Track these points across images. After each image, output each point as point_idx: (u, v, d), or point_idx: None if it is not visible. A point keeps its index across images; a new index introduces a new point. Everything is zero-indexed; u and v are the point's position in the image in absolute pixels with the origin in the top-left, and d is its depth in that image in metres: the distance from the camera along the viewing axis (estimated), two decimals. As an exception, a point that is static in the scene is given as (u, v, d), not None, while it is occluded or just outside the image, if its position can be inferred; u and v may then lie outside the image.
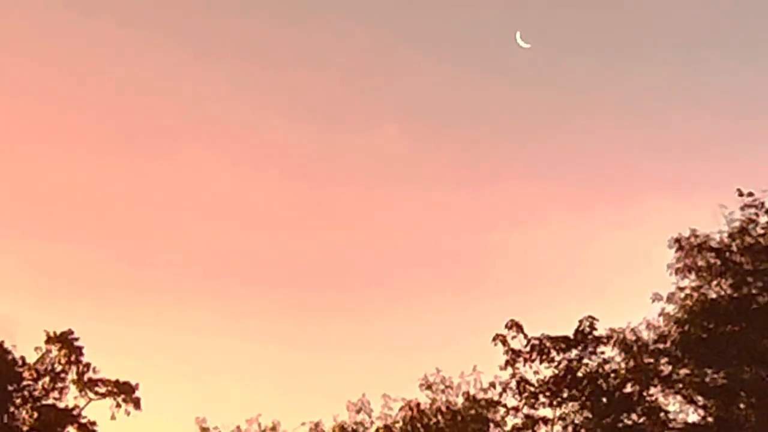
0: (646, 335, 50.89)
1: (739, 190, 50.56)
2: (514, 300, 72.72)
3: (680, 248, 50.27)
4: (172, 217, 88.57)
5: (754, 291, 49.76)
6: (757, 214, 50.48)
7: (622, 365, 50.80)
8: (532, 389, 50.92)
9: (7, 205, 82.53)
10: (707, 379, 49.81)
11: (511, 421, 52.64)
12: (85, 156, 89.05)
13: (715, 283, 50.18)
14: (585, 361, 50.90)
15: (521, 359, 51.13)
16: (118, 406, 63.73)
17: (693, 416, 50.64)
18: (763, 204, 50.43)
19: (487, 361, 52.79)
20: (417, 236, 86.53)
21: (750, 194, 50.49)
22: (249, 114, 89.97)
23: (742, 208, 50.45)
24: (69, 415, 62.96)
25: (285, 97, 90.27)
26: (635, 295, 54.12)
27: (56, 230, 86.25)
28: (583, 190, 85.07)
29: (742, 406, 49.24)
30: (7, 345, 62.85)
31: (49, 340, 63.77)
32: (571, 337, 51.22)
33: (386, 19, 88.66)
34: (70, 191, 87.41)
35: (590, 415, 50.27)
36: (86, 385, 63.82)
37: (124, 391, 63.87)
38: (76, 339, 64.17)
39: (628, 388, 50.61)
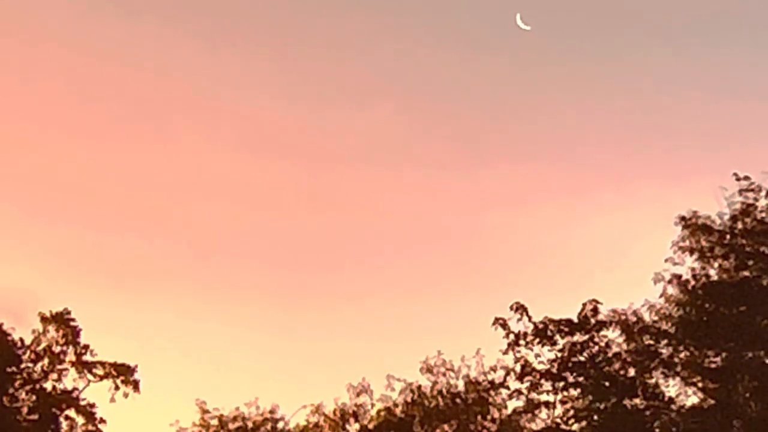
0: (647, 317, 51.05)
1: (735, 174, 50.67)
2: (514, 283, 72.75)
3: (686, 226, 50.27)
4: (170, 201, 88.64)
5: (755, 273, 49.86)
6: (756, 198, 50.55)
7: (624, 347, 50.93)
8: (535, 374, 50.97)
9: (9, 189, 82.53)
10: (707, 362, 49.93)
11: (512, 404, 52.93)
12: (86, 143, 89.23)
13: (717, 264, 50.27)
14: (588, 344, 50.97)
15: (523, 342, 51.20)
16: (117, 388, 63.64)
17: (693, 398, 50.84)
18: (760, 187, 50.50)
19: (490, 344, 52.95)
20: (416, 218, 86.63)
21: (746, 178, 50.56)
22: (244, 97, 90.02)
23: (740, 192, 50.53)
24: (68, 398, 62.92)
25: (280, 80, 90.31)
26: (634, 278, 54.33)
27: (56, 214, 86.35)
28: (581, 173, 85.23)
29: (741, 388, 49.29)
30: (6, 327, 62.82)
31: (44, 320, 63.67)
32: (575, 320, 51.32)
33: (384, 1, 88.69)
34: (71, 177, 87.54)
35: (591, 399, 50.36)
36: (85, 366, 63.72)
37: (123, 373, 63.80)
38: (73, 319, 64.13)
39: (630, 372, 50.74)
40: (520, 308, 51.29)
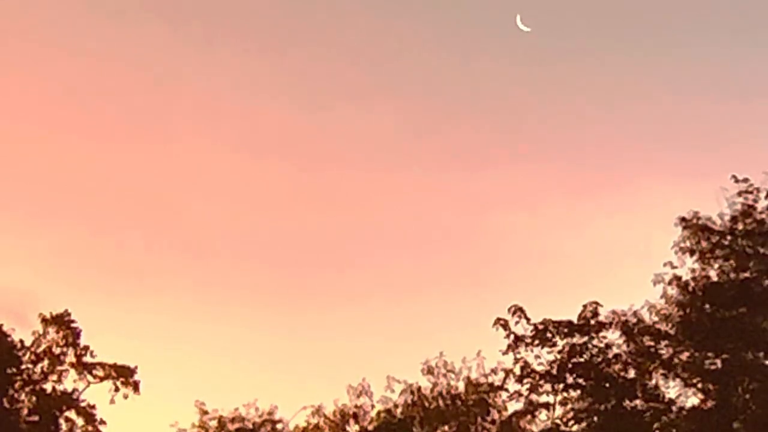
0: (648, 318, 51.07)
1: (734, 176, 50.71)
2: (515, 284, 72.75)
3: (686, 227, 50.30)
4: (170, 202, 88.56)
5: (755, 274, 49.87)
6: (755, 200, 50.61)
7: (624, 348, 50.94)
8: (535, 375, 50.95)
9: (9, 190, 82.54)
10: (707, 363, 49.92)
11: (513, 406, 52.93)
12: (86, 143, 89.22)
13: (717, 266, 50.28)
14: (587, 346, 50.96)
15: (523, 344, 51.19)
16: (117, 389, 63.68)
17: (693, 400, 50.85)
18: (758, 189, 50.57)
19: (491, 345, 52.91)
20: (416, 219, 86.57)
21: (745, 180, 50.62)
22: (244, 98, 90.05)
23: (738, 194, 50.58)
24: (68, 399, 62.95)
25: (280, 82, 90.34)
26: (635, 279, 54.31)
27: (56, 215, 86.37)
28: (581, 174, 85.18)
29: (741, 390, 49.29)
30: (6, 328, 62.85)
31: (45, 321, 63.71)
32: (575, 322, 51.33)
33: (384, 1, 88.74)
34: (71, 177, 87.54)
35: (591, 400, 50.35)
36: (85, 368, 63.75)
37: (123, 375, 63.83)
38: (73, 321, 64.18)
39: (630, 373, 50.74)
40: (518, 311, 51.30)
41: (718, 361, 49.62)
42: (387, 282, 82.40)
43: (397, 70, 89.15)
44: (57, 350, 63.70)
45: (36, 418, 62.23)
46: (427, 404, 55.98)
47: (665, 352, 50.65)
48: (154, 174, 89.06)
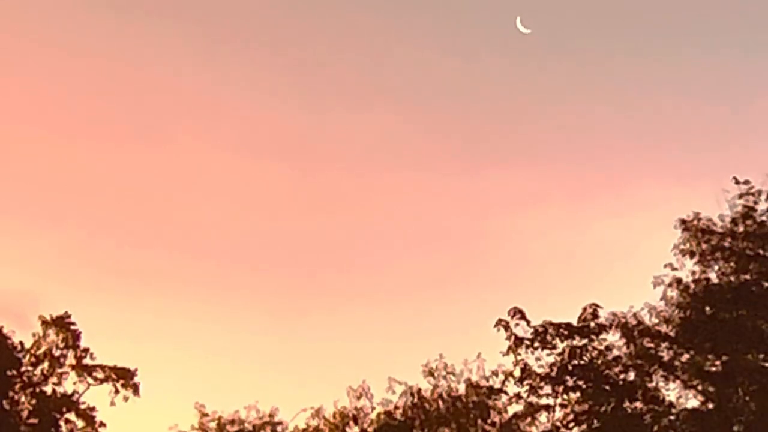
0: (648, 319, 51.09)
1: (735, 178, 50.85)
2: (515, 286, 72.78)
3: (686, 229, 50.36)
4: (170, 203, 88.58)
5: (755, 276, 49.91)
6: (756, 202, 50.67)
7: (624, 350, 50.96)
8: (535, 377, 50.93)
9: (9, 191, 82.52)
10: (707, 365, 49.97)
11: (513, 408, 52.91)
12: (85, 144, 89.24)
13: (717, 267, 50.34)
14: (587, 348, 50.96)
15: (523, 346, 51.16)
16: (117, 391, 63.71)
17: (693, 402, 50.90)
18: (759, 191, 50.61)
19: (491, 348, 52.91)
20: (417, 221, 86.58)
21: (746, 182, 50.72)
22: (244, 99, 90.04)
23: (739, 196, 50.64)
24: (68, 401, 62.96)
25: (280, 82, 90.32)
26: (635, 281, 54.34)
27: (56, 216, 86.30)
28: (581, 176, 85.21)
29: (741, 392, 49.31)
30: (6, 330, 62.86)
31: (45, 323, 63.72)
32: (575, 324, 51.30)
33: (383, 2, 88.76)
34: (71, 179, 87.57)
35: (591, 403, 50.33)
36: (85, 370, 63.77)
37: (123, 377, 63.86)
38: (73, 323, 64.18)
39: (630, 376, 50.75)
40: (518, 313, 51.29)
41: (718, 363, 49.67)
42: (387, 283, 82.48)
43: (396, 71, 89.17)
44: (57, 352, 63.75)
45: (36, 420, 62.23)
46: (427, 406, 55.93)
47: (665, 354, 50.70)
48: (154, 174, 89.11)
